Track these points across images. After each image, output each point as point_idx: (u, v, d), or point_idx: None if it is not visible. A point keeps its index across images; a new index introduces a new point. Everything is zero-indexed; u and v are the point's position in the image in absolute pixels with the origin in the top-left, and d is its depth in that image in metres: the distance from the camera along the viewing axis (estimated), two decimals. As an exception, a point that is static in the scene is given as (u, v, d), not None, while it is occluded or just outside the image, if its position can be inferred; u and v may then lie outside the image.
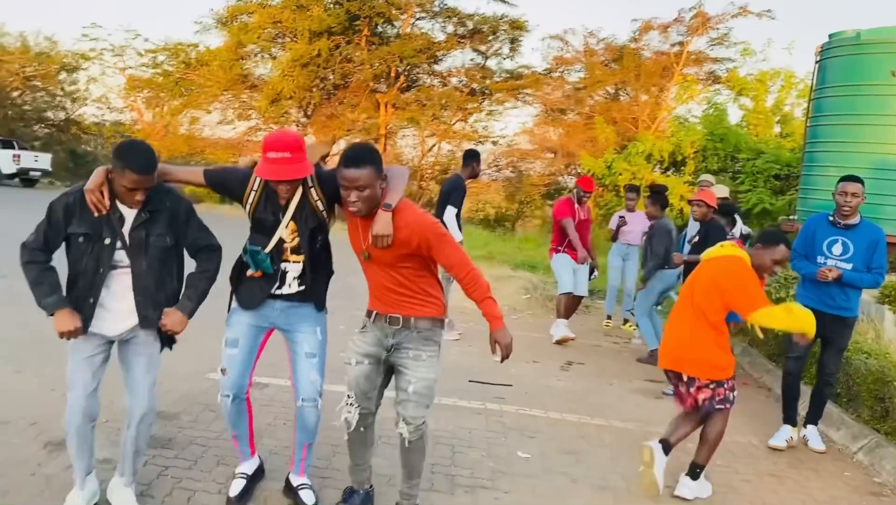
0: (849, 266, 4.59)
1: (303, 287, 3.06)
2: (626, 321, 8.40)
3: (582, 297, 7.50)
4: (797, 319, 3.70)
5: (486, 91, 24.40)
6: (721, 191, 7.24)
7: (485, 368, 5.91)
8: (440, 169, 26.58)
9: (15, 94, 29.12)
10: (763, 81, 19.62)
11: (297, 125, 25.25)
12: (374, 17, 21.74)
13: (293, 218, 2.95)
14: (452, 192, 6.58)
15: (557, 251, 7.31)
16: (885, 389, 4.88)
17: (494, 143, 27.68)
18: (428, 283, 2.97)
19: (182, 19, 39.27)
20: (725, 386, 3.71)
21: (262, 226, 2.98)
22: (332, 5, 21.79)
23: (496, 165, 29.01)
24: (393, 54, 21.81)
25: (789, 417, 4.85)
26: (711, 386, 3.68)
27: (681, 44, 20.84)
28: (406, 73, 24.07)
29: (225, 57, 23.43)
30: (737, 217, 7.00)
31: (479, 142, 27.38)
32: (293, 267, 3.03)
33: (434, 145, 27.25)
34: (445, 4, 23.51)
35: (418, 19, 24.41)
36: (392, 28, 24.26)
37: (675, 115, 18.81)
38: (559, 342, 7.16)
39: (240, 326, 3.09)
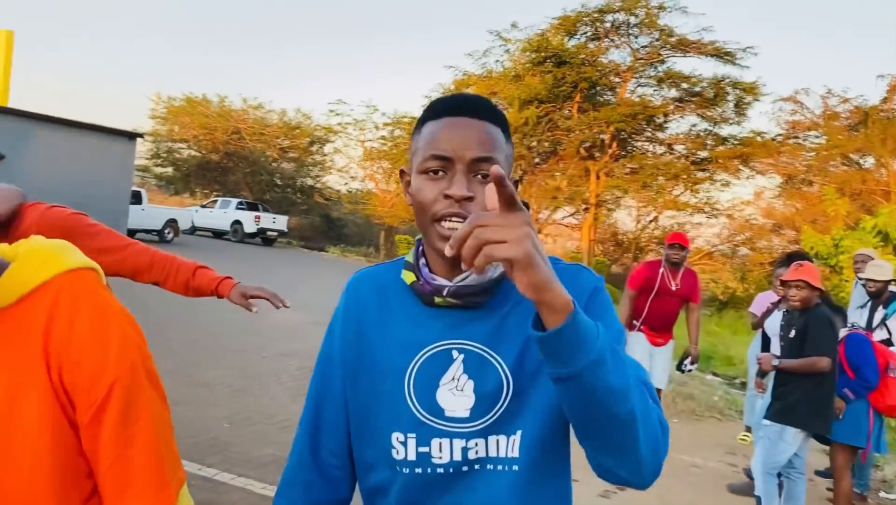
0: None
1: None
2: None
3: (659, 389, 5.89)
4: None
5: (710, 159, 22.24)
6: (882, 271, 5.23)
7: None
8: (657, 241, 24.60)
9: (273, 164, 32.89)
10: None
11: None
12: (581, 81, 21.02)
13: None
14: None
15: (632, 327, 5.82)
16: None
17: (730, 216, 25.07)
18: None
19: (414, 93, 43.84)
20: None
21: None
22: (544, 74, 21.55)
23: (730, 242, 26.24)
24: (600, 120, 20.86)
25: None
26: None
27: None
28: (620, 141, 22.86)
29: (439, 127, 24.16)
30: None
31: (713, 215, 24.99)
32: None
33: (655, 217, 25.38)
34: (668, 68, 22.14)
35: (640, 85, 23.27)
36: (611, 94, 23.37)
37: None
38: None
39: None
